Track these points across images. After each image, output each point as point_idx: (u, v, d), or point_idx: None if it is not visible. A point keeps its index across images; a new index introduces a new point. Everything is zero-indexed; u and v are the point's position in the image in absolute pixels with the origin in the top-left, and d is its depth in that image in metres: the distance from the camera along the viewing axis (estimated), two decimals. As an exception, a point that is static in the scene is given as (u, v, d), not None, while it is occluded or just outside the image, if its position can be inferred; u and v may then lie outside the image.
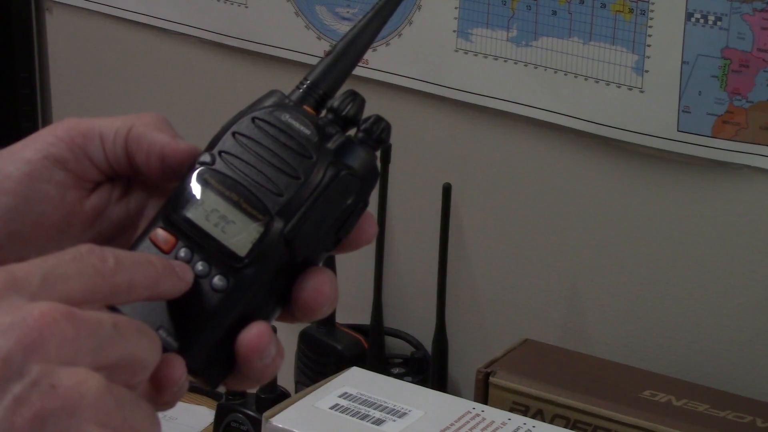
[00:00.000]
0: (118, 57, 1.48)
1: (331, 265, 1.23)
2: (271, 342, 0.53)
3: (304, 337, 1.26)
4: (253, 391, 1.18)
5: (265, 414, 0.87)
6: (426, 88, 1.21)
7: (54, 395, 0.44)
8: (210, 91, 1.40)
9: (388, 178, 1.18)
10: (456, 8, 1.17)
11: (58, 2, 1.53)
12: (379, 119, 0.57)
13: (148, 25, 1.43)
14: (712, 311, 1.10)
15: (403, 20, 1.21)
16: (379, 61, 1.24)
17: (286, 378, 1.22)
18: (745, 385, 1.07)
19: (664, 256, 1.11)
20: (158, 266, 0.51)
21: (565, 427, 0.96)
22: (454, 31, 1.18)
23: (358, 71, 1.23)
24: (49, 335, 0.45)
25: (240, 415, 1.17)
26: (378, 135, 0.57)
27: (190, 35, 1.39)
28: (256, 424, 1.14)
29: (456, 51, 1.18)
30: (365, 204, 0.56)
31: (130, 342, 0.47)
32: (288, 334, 1.26)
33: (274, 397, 1.15)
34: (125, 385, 0.47)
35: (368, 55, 1.25)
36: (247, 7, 1.32)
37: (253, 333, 0.53)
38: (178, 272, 0.52)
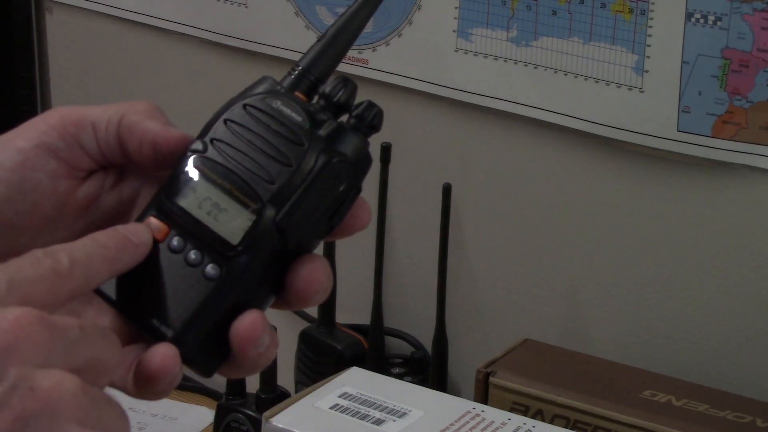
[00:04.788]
0: (118, 57, 1.49)
1: (330, 263, 1.23)
2: (264, 330, 0.53)
3: (304, 337, 1.26)
4: (253, 390, 1.18)
5: (265, 414, 0.87)
6: (426, 88, 1.21)
7: (34, 397, 0.44)
8: (210, 91, 1.40)
9: (388, 178, 1.18)
10: (456, 8, 1.17)
11: (58, 2, 1.53)
12: (371, 105, 0.57)
13: (148, 25, 1.43)
14: (712, 311, 1.10)
15: (403, 20, 1.21)
16: (379, 61, 1.24)
17: (286, 378, 1.22)
18: (745, 385, 1.07)
19: (664, 255, 1.11)
20: (111, 246, 0.51)
21: (565, 427, 0.96)
22: (454, 31, 1.18)
23: (357, 71, 1.24)
24: (24, 339, 0.45)
25: (240, 415, 1.17)
26: (370, 121, 0.57)
27: (190, 35, 1.39)
28: (256, 424, 1.14)
29: (456, 51, 1.18)
30: (358, 190, 0.56)
31: (96, 344, 0.48)
32: (288, 334, 1.26)
33: (274, 397, 1.15)
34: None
35: (368, 54, 1.26)
36: (247, 7, 1.32)
37: (247, 321, 0.53)
38: (133, 239, 0.53)
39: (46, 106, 1.59)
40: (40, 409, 0.44)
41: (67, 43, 1.54)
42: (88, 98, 1.53)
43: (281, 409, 0.87)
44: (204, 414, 1.31)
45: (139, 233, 0.53)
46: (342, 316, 1.26)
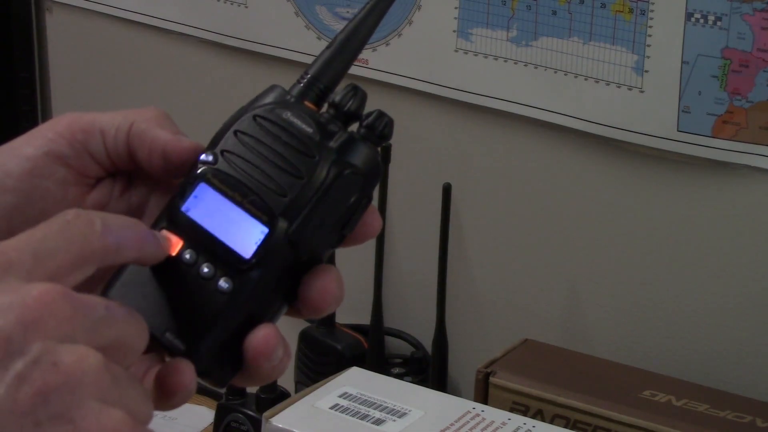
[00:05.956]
0: (118, 57, 1.48)
1: (331, 262, 1.23)
2: (278, 344, 0.54)
3: (304, 337, 1.26)
4: (253, 391, 1.18)
5: (265, 414, 0.87)
6: (426, 88, 1.21)
7: (56, 372, 0.44)
8: (210, 91, 1.40)
9: (388, 178, 1.18)
10: (456, 8, 1.17)
11: (58, 2, 1.53)
12: (381, 115, 0.57)
13: (148, 25, 1.43)
14: (712, 311, 1.10)
15: (403, 20, 1.21)
16: (379, 61, 1.24)
17: (286, 378, 1.22)
18: (745, 385, 1.07)
19: (664, 255, 1.11)
20: (141, 229, 0.51)
21: (565, 427, 0.96)
22: (454, 31, 1.18)
23: (357, 71, 1.24)
24: (48, 314, 0.45)
25: (240, 415, 1.17)
26: (381, 131, 0.56)
27: (190, 35, 1.39)
28: (256, 424, 1.14)
29: (456, 51, 1.18)
30: (369, 199, 0.56)
31: (121, 325, 0.48)
32: (288, 334, 1.26)
33: (274, 397, 1.15)
34: None
35: (368, 54, 1.26)
36: (247, 7, 1.32)
37: (261, 336, 0.53)
38: (157, 237, 0.53)
39: (46, 106, 1.59)
40: (62, 384, 0.44)
41: (67, 43, 1.54)
42: (88, 98, 1.53)
43: (281, 409, 0.88)
44: (204, 414, 1.31)
45: (159, 236, 0.53)
46: (342, 316, 1.26)
